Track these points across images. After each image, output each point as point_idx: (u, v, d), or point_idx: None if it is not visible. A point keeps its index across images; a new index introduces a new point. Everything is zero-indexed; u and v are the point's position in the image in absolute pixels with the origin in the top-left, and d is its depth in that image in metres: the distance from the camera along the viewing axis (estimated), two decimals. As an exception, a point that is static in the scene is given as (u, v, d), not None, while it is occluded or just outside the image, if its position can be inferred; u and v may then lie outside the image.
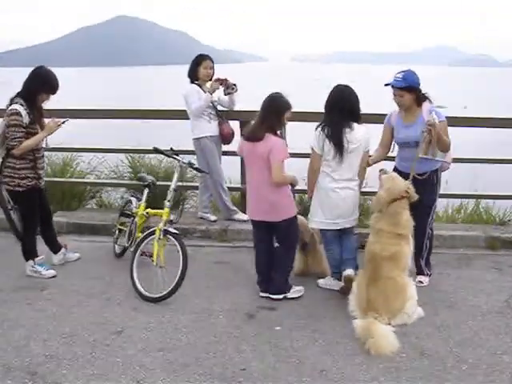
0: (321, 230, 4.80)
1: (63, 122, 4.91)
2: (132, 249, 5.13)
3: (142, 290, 4.62)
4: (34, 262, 5.04)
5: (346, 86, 4.52)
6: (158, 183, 6.79)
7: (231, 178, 6.96)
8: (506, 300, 4.61)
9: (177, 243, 4.57)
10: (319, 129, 4.52)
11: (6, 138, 4.74)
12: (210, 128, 6.06)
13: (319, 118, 4.61)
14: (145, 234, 4.79)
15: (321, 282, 4.88)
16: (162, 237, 4.62)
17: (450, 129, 4.71)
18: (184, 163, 4.87)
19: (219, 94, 6.08)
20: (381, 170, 4.64)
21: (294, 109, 4.52)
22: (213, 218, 6.30)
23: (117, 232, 5.65)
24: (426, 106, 4.63)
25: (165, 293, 4.49)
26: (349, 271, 4.59)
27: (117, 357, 3.72)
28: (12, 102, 4.76)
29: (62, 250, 5.39)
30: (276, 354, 3.77)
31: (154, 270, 4.60)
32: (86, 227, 6.37)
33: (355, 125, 4.45)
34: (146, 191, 5.37)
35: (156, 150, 5.06)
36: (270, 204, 4.46)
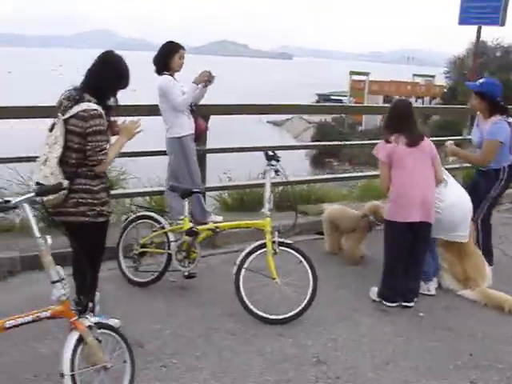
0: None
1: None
2: (186, 272, 4.43)
3: (260, 312, 4.06)
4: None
5: None
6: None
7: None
8: None
9: (298, 254, 4.13)
10: None
11: (74, 151, 3.42)
12: (190, 125, 5.40)
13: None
14: (250, 248, 4.14)
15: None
16: (277, 250, 4.10)
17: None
18: (279, 169, 4.30)
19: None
20: None
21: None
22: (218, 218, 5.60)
23: (135, 256, 4.63)
24: (494, 117, 4.85)
25: (296, 310, 4.06)
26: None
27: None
28: (80, 98, 3.42)
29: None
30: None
31: (272, 288, 4.08)
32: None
33: None
34: (186, 202, 4.53)
35: (266, 153, 4.29)
36: (432, 203, 4.32)
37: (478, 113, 5.15)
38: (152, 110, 5.46)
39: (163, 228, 4.54)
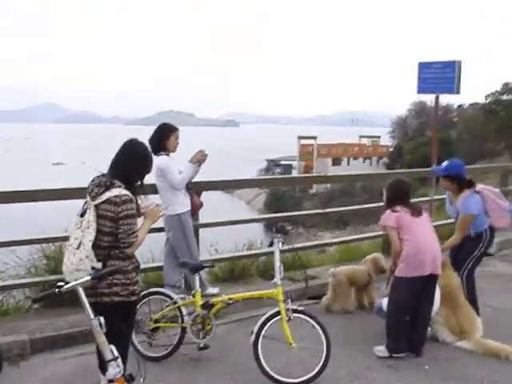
0: None
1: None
2: (201, 344, 4.61)
3: (281, 377, 4.26)
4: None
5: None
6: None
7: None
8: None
9: (311, 320, 4.37)
10: None
11: (106, 234, 3.62)
12: (187, 201, 5.68)
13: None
14: (265, 317, 4.36)
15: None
16: (291, 316, 4.34)
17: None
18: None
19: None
20: None
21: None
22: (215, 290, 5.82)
23: (149, 331, 4.75)
24: (463, 193, 5.34)
25: (314, 373, 4.27)
26: None
27: None
28: (111, 184, 3.64)
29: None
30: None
31: (288, 353, 4.31)
32: (58, 339, 4.97)
33: None
34: (197, 277, 4.75)
35: (276, 227, 4.60)
36: (440, 258, 4.80)
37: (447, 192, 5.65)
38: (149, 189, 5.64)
39: (175, 303, 4.71)
